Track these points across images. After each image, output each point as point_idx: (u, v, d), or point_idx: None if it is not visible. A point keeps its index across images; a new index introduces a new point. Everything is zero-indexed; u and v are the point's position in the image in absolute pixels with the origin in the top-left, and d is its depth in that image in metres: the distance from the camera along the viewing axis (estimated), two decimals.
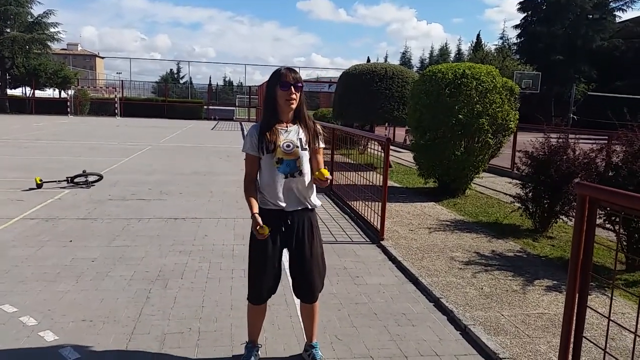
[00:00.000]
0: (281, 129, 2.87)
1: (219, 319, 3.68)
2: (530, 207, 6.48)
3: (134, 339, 3.35)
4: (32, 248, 5.13)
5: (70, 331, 3.40)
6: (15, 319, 3.53)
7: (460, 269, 4.97)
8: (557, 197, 6.15)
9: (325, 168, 2.87)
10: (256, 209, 2.82)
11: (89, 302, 3.88)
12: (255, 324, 3.13)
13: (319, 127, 2.99)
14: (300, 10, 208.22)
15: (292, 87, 2.79)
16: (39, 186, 8.16)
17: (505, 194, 9.13)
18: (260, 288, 2.98)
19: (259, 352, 3.17)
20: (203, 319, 3.67)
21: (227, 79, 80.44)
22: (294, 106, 2.84)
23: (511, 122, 8.26)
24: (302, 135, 2.89)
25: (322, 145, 3.00)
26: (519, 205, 6.59)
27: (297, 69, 2.92)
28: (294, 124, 2.91)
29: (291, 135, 2.87)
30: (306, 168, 2.89)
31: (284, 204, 2.86)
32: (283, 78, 2.79)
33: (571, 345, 2.36)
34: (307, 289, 3.00)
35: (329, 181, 2.78)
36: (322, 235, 3.12)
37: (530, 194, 6.44)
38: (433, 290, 4.30)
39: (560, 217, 6.32)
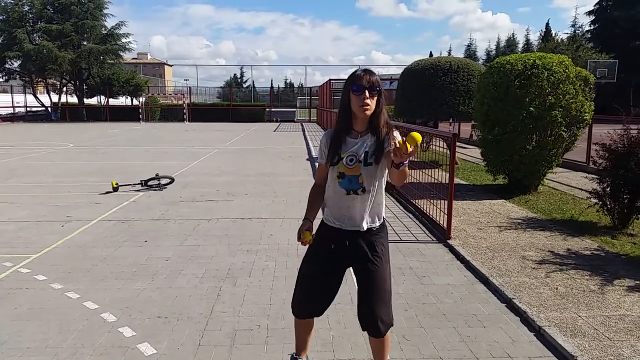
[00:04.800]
0: (351, 139, 2.53)
1: (287, 317, 3.71)
2: (609, 203, 6.11)
3: (207, 335, 3.46)
4: (110, 248, 5.42)
5: (147, 327, 3.56)
6: (97, 316, 3.74)
7: (534, 268, 4.76)
8: (638, 192, 5.77)
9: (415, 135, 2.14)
10: (311, 215, 2.70)
11: (164, 299, 4.05)
12: (300, 336, 2.91)
13: (395, 134, 2.49)
14: (359, 9, 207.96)
15: (366, 91, 2.42)
16: (115, 189, 8.62)
17: (581, 189, 8.69)
18: (301, 303, 2.77)
19: None
20: (271, 317, 3.74)
21: (288, 81, 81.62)
22: (368, 113, 2.45)
23: (586, 114, 7.83)
24: (371, 147, 2.49)
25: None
26: (595, 201, 6.25)
27: (375, 72, 2.51)
28: (366, 134, 2.53)
29: (358, 147, 2.51)
30: (372, 184, 2.54)
31: (342, 223, 2.60)
32: (357, 80, 2.44)
33: None
34: (371, 320, 2.61)
35: (407, 154, 2.16)
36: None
37: (608, 189, 6.09)
38: (505, 291, 4.15)
39: None
